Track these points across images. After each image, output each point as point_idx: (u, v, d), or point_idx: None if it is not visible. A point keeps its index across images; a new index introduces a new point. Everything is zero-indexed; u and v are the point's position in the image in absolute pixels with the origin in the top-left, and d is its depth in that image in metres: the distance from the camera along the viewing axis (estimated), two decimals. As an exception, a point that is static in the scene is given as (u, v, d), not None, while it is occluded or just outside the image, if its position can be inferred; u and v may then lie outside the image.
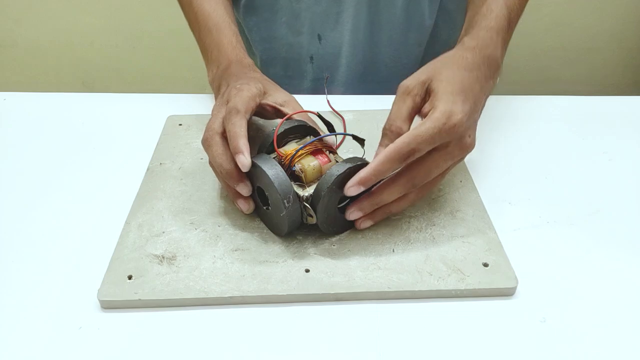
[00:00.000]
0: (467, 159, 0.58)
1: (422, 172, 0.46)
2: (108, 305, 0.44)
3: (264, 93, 0.53)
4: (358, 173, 0.44)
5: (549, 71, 1.49)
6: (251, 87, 0.51)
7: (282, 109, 0.53)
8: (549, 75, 1.49)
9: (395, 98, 0.48)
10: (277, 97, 0.54)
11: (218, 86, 0.58)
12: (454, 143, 0.46)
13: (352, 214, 0.47)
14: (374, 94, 0.73)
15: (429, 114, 0.45)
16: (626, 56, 1.49)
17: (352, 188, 0.44)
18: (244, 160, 0.45)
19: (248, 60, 0.60)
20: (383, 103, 0.68)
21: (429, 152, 0.45)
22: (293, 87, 0.80)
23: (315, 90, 0.79)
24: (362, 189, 0.44)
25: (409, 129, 0.46)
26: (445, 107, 0.44)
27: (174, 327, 0.42)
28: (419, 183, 0.46)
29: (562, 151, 0.62)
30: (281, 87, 0.82)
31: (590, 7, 1.39)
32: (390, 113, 0.48)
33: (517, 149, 0.62)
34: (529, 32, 1.42)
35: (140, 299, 0.43)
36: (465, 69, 0.49)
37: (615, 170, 0.59)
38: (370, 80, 0.80)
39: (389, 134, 0.47)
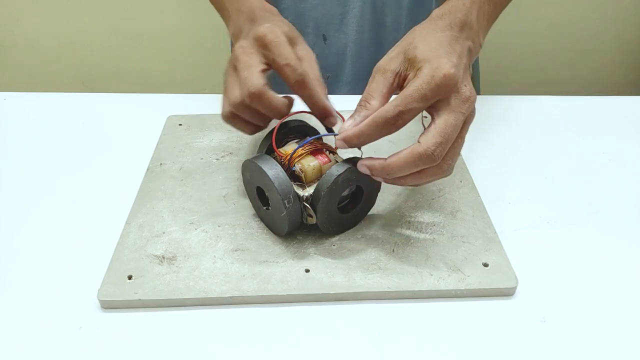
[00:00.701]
0: (467, 159, 0.58)
1: (437, 138, 0.41)
2: (108, 305, 0.44)
3: (291, 39, 0.50)
4: (347, 129, 0.43)
5: (549, 72, 1.49)
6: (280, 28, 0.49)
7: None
8: (549, 75, 1.49)
9: (371, 79, 0.46)
10: (298, 48, 0.51)
11: (240, 30, 0.55)
12: (453, 97, 0.42)
13: (360, 168, 0.45)
14: None
15: (416, 74, 0.42)
16: (626, 57, 1.49)
17: (338, 141, 0.44)
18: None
19: (271, 7, 0.56)
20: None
21: (435, 116, 0.42)
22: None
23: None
24: (345, 145, 0.43)
25: (380, 105, 0.44)
26: (431, 63, 0.42)
27: (174, 327, 0.42)
28: (438, 153, 0.42)
29: (562, 151, 0.62)
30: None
31: (590, 8, 1.39)
32: (363, 93, 0.45)
33: (517, 149, 0.62)
34: (529, 33, 1.42)
35: (140, 299, 0.43)
36: (436, 31, 0.46)
37: (615, 170, 0.59)
38: None
39: (359, 108, 0.45)
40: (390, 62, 0.45)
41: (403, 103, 0.41)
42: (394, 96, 0.44)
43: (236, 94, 0.48)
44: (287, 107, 0.48)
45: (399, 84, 0.45)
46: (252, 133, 0.52)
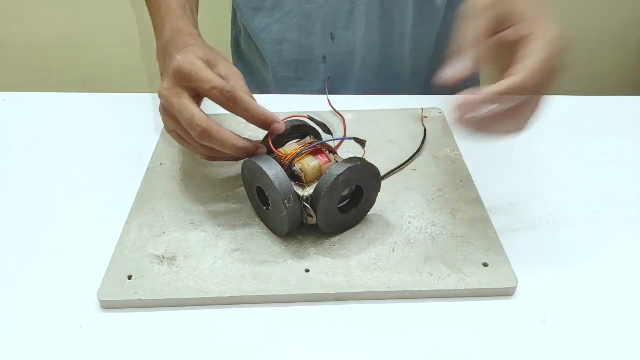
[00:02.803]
0: (467, 159, 0.58)
1: (539, 101, 0.42)
2: (108, 305, 0.44)
3: (209, 62, 0.49)
4: (467, 96, 0.41)
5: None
6: (190, 58, 0.47)
7: None
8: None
9: (465, 20, 0.44)
10: (221, 68, 0.50)
11: (163, 62, 0.55)
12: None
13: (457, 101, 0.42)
14: (390, 90, 0.73)
15: (534, 47, 0.41)
16: (626, 57, 1.48)
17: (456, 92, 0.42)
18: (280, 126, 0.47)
19: (190, 29, 0.56)
20: (383, 103, 0.68)
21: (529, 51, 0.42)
22: (305, 88, 0.78)
23: (329, 91, 0.77)
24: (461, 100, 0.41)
25: (475, 52, 0.43)
26: (545, 36, 0.41)
27: (174, 327, 0.42)
28: (535, 112, 0.43)
29: (562, 151, 0.62)
30: (292, 89, 0.79)
31: (591, 8, 1.39)
32: (459, 36, 0.44)
33: (517, 149, 0.62)
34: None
35: (140, 299, 0.43)
36: None
37: (615, 170, 0.59)
38: (385, 76, 0.79)
39: (459, 54, 0.43)
40: (485, 7, 0.43)
41: (538, 76, 0.41)
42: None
43: (191, 140, 0.47)
44: (244, 143, 0.47)
45: (490, 30, 0.43)
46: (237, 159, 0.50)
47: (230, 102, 0.46)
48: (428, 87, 0.80)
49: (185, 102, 0.46)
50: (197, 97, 0.47)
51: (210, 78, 0.46)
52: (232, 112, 0.47)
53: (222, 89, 0.46)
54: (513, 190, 0.55)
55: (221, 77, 0.48)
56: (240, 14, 0.80)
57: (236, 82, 0.49)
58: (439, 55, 0.80)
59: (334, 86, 0.77)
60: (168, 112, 0.49)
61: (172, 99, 0.47)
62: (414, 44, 0.77)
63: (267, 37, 0.77)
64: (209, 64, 0.49)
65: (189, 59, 0.46)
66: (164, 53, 0.55)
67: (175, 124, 0.49)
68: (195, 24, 0.59)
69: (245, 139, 0.47)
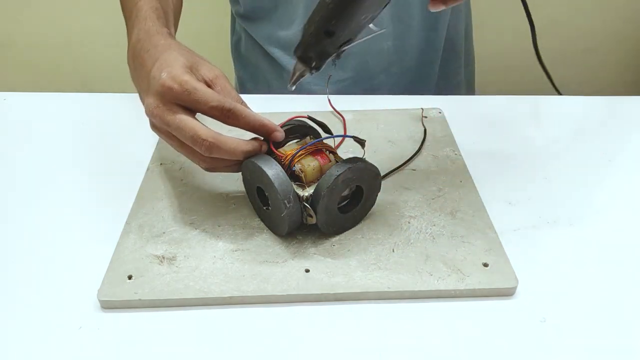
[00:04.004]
0: (467, 159, 0.58)
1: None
2: (108, 305, 0.44)
3: (191, 68, 0.47)
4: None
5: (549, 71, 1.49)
6: (177, 71, 0.45)
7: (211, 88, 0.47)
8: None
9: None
10: (204, 72, 0.48)
11: (133, 64, 0.52)
12: None
13: None
14: (403, 87, 0.73)
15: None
16: (626, 56, 1.48)
17: None
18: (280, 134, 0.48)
19: (158, 28, 0.54)
20: (383, 103, 0.68)
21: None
22: (315, 92, 0.79)
23: (339, 91, 0.76)
24: None
25: None
26: None
27: (174, 327, 0.42)
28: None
29: (562, 151, 0.62)
30: (304, 92, 0.79)
31: (590, 7, 1.39)
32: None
33: (517, 149, 0.62)
34: (529, 32, 1.42)
35: (140, 299, 0.43)
36: None
37: (615, 171, 0.59)
38: (397, 73, 0.79)
39: None
40: None
41: None
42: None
43: (198, 155, 0.46)
44: (251, 145, 0.47)
45: None
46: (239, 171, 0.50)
47: (230, 118, 0.45)
48: (439, 85, 0.81)
49: (183, 118, 0.45)
50: (192, 112, 0.46)
51: (207, 98, 0.44)
52: (232, 126, 0.46)
53: (222, 107, 0.44)
54: (513, 190, 0.55)
55: (206, 82, 0.47)
56: (246, 22, 0.79)
57: (223, 85, 0.47)
58: (445, 53, 0.80)
59: (343, 88, 0.77)
60: (163, 130, 0.47)
61: (166, 117, 0.45)
62: (424, 42, 0.77)
63: (276, 42, 0.77)
64: (193, 71, 0.47)
65: (178, 77, 0.44)
66: (133, 55, 0.52)
67: (172, 140, 0.47)
68: (168, 25, 0.57)
69: (249, 140, 0.47)
